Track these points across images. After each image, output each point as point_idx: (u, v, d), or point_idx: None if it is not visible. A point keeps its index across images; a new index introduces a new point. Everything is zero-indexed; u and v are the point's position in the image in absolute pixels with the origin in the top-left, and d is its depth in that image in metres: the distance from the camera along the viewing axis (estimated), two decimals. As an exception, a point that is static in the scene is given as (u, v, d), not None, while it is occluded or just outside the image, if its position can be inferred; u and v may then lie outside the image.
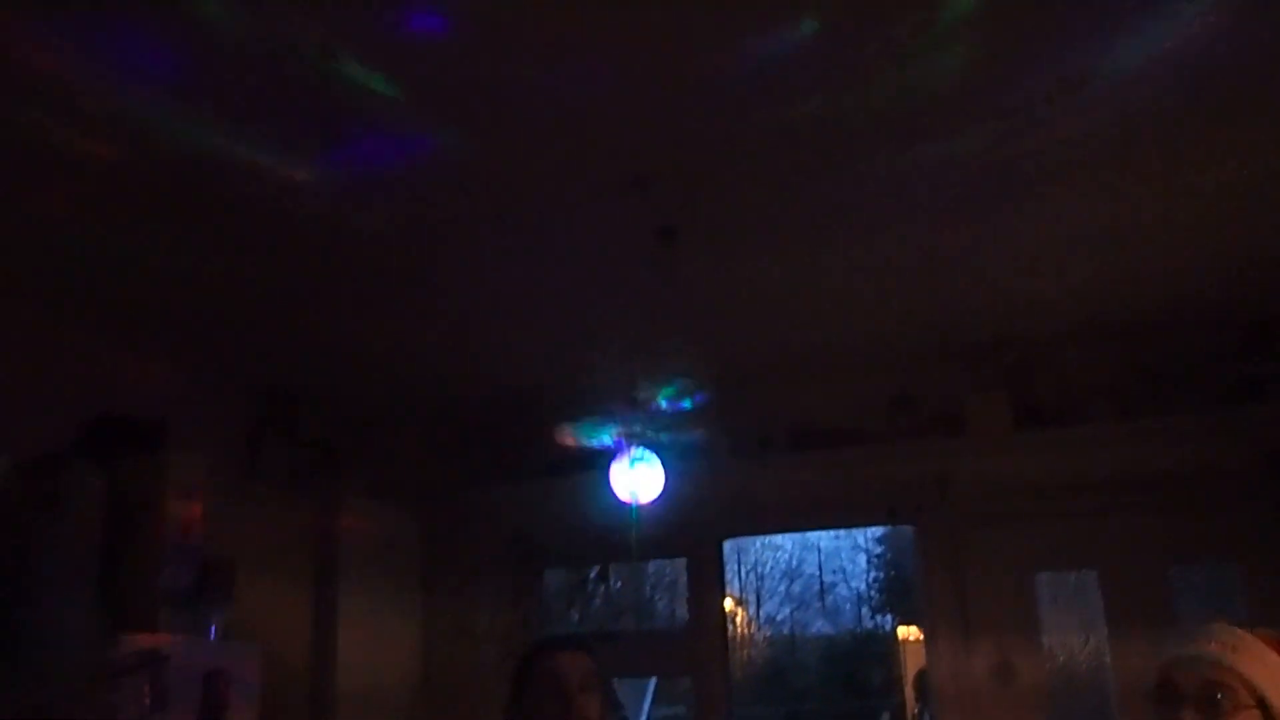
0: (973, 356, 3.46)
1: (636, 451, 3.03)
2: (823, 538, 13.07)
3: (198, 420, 3.00)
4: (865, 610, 13.12)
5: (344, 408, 3.54)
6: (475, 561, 3.78)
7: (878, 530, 13.02)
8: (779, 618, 13.78)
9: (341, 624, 3.37)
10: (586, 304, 3.05)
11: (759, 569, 13.41)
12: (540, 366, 3.47)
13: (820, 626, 13.55)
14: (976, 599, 3.37)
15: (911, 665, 8.04)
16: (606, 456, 3.12)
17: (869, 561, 13.05)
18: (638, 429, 3.08)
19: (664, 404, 3.19)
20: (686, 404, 3.25)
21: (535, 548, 3.84)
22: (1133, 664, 3.10)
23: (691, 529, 3.72)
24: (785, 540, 13.53)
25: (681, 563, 4.10)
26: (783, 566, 13.78)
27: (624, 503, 3.04)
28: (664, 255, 2.56)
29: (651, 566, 10.74)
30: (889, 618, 11.87)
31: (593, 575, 4.30)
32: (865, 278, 2.95)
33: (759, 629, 13.31)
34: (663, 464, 3.01)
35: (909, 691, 7.22)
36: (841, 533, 13.22)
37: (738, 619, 11.90)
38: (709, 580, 3.80)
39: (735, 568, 12.39)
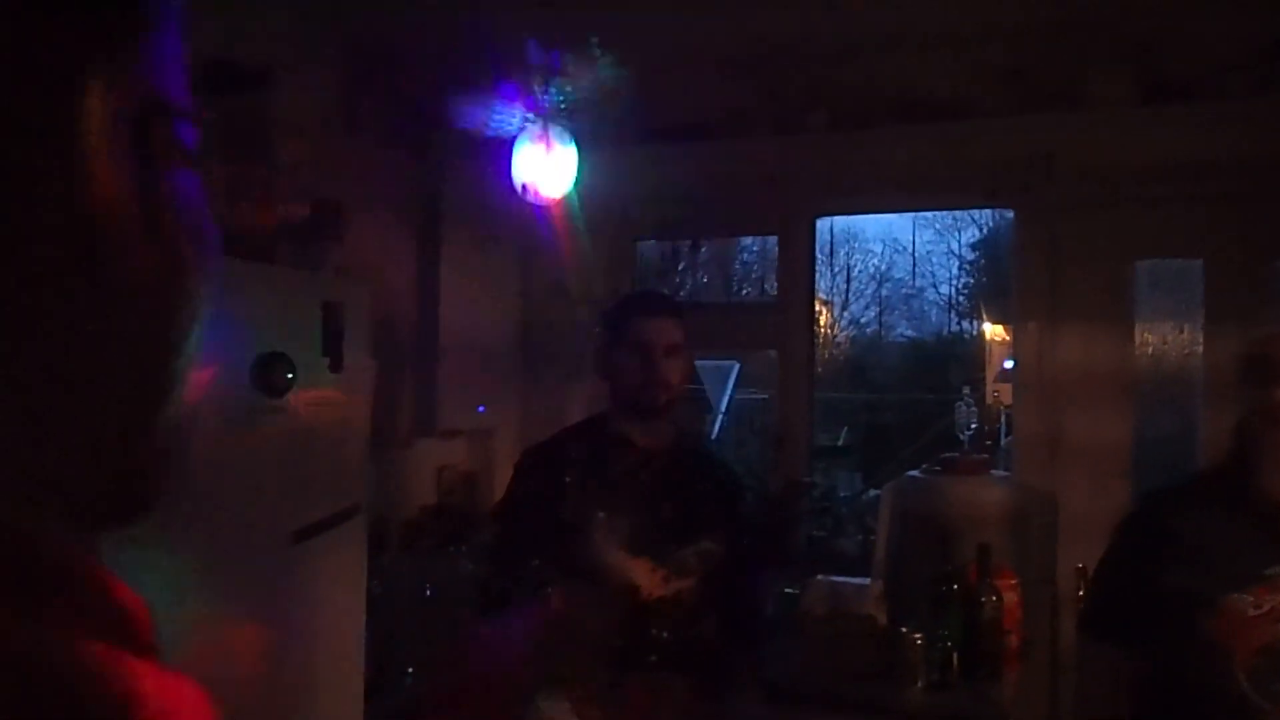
0: (1094, 26, 3.22)
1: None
2: (915, 241, 12.97)
3: (301, 72, 3.02)
4: (953, 315, 13.22)
5: (440, 64, 3.50)
6: (570, 226, 3.85)
7: (972, 235, 12.87)
8: (864, 320, 13.98)
9: (444, 274, 3.52)
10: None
11: (849, 269, 13.46)
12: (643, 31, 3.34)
13: (905, 329, 13.75)
14: (1072, 285, 3.34)
15: (994, 365, 8.19)
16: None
17: (961, 267, 12.99)
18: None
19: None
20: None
21: (627, 217, 3.88)
22: (1226, 355, 3.09)
23: (785, 204, 3.71)
24: (876, 244, 13.49)
25: (774, 243, 4.12)
26: (871, 269, 13.82)
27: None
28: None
29: (741, 250, 10.85)
30: (976, 324, 11.96)
31: (685, 247, 4.35)
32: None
33: (844, 329, 13.56)
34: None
35: (990, 386, 7.39)
36: (934, 236, 13.11)
37: (822, 318, 12.12)
38: (800, 258, 3.82)
39: (824, 270, 12.46)
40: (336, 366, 2.46)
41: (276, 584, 2.27)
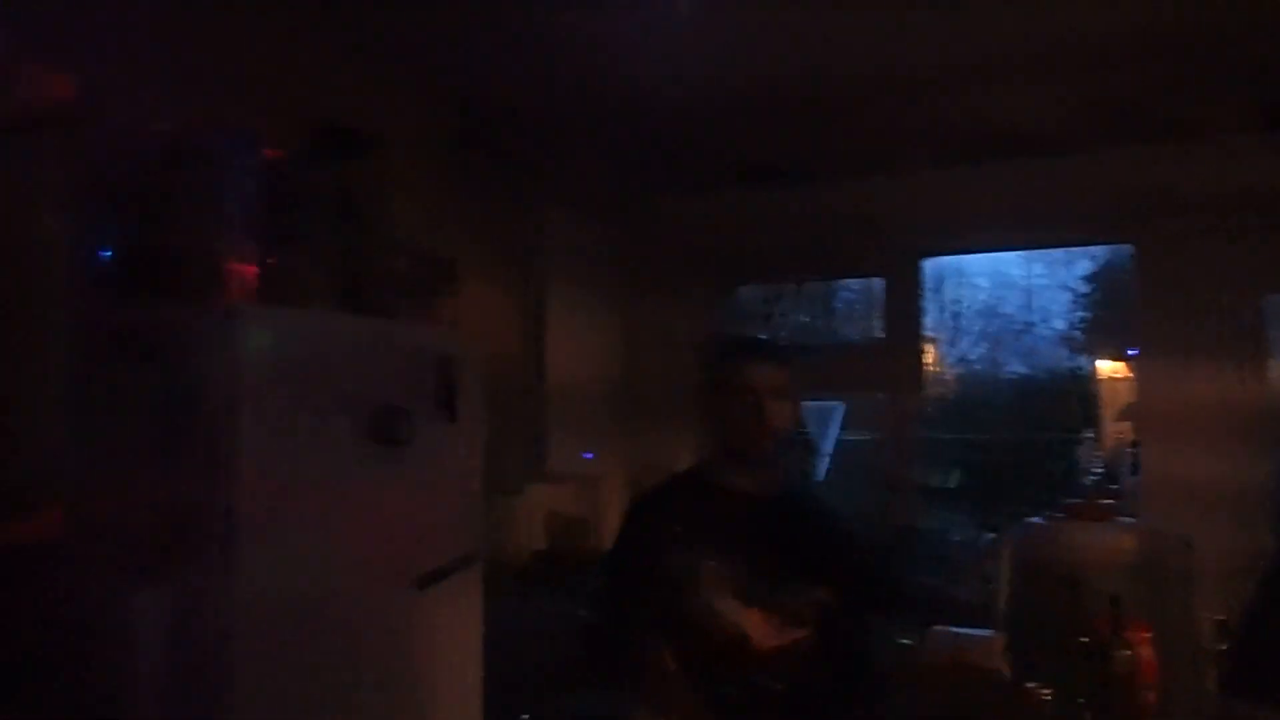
0: (1211, 54, 3.12)
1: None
2: (1025, 275, 12.63)
3: (411, 132, 3.14)
4: (1067, 351, 12.80)
5: (543, 120, 3.59)
6: (672, 273, 3.88)
7: (1086, 267, 12.48)
8: (972, 356, 13.63)
9: (549, 323, 3.58)
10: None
11: (954, 307, 13.18)
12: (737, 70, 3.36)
13: (1016, 366, 13.35)
14: (1198, 319, 3.22)
15: (1111, 402, 7.88)
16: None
17: (1074, 300, 12.60)
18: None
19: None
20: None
21: (728, 261, 3.89)
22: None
23: (891, 246, 3.67)
24: (983, 279, 13.17)
25: (878, 284, 4.08)
26: (979, 305, 13.48)
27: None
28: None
29: (842, 290, 10.72)
30: (1090, 359, 11.55)
31: (786, 291, 4.34)
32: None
33: (951, 367, 13.25)
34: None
35: (1108, 426, 7.11)
36: (1045, 270, 12.73)
37: (928, 356, 11.86)
38: (907, 299, 3.78)
39: (929, 306, 12.21)
40: (451, 417, 2.52)
41: (399, 629, 2.32)
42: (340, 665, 2.14)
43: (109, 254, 2.33)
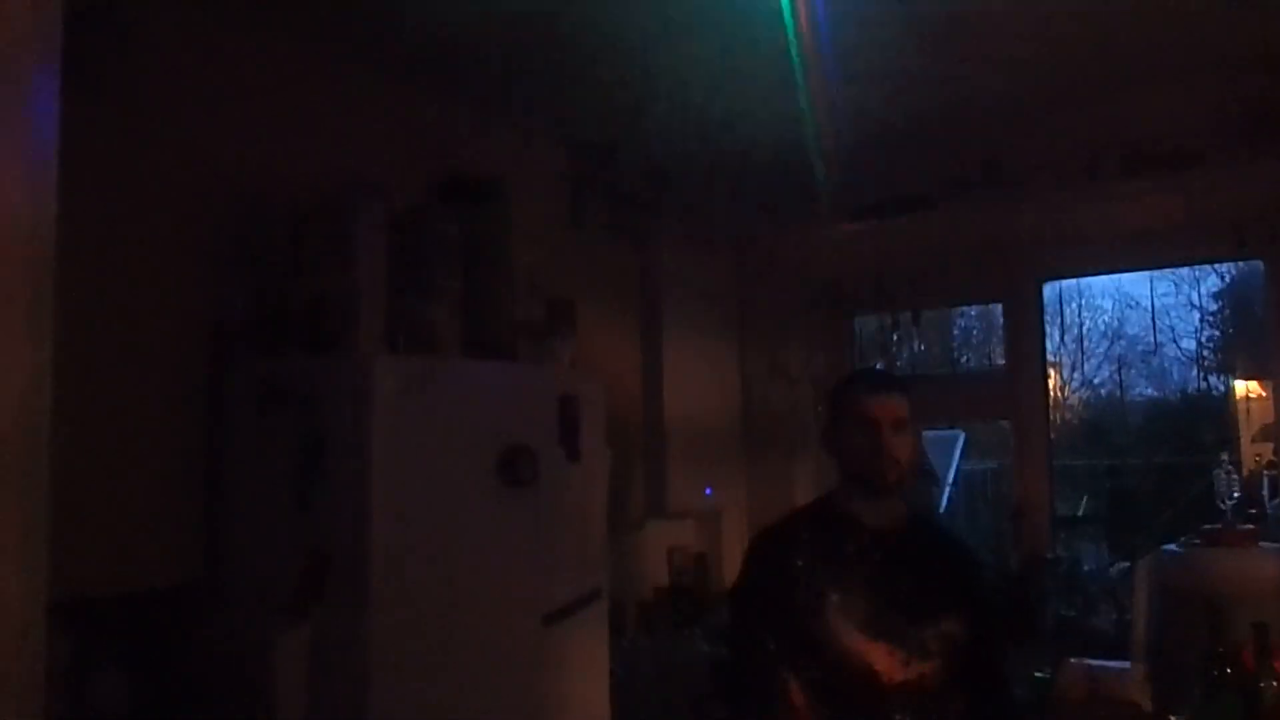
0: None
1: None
2: (1150, 295, 12.20)
3: (527, 176, 3.24)
4: (1196, 371, 12.29)
5: (657, 159, 3.66)
6: (787, 305, 3.89)
7: (1214, 285, 11.99)
8: (1097, 380, 13.21)
9: (667, 360, 3.64)
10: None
11: (1077, 329, 12.80)
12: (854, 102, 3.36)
13: (1144, 389, 12.87)
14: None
15: (1248, 423, 7.52)
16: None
17: (1203, 319, 12.10)
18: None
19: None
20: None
21: (845, 292, 3.89)
22: None
23: (1010, 270, 3.62)
24: (1106, 299, 12.76)
25: (996, 310, 4.01)
26: (1102, 327, 13.07)
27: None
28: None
29: (959, 317, 10.53)
30: (1224, 378, 11.06)
31: (903, 320, 4.29)
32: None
33: (1076, 391, 12.85)
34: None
35: (1248, 447, 6.79)
36: (1171, 289, 12.28)
37: (1052, 380, 11.55)
38: (1028, 323, 3.71)
39: (1051, 329, 11.91)
40: (574, 455, 2.58)
41: (527, 665, 2.37)
42: (471, 700, 2.20)
43: (246, 308, 2.47)
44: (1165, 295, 12.26)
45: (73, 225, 1.23)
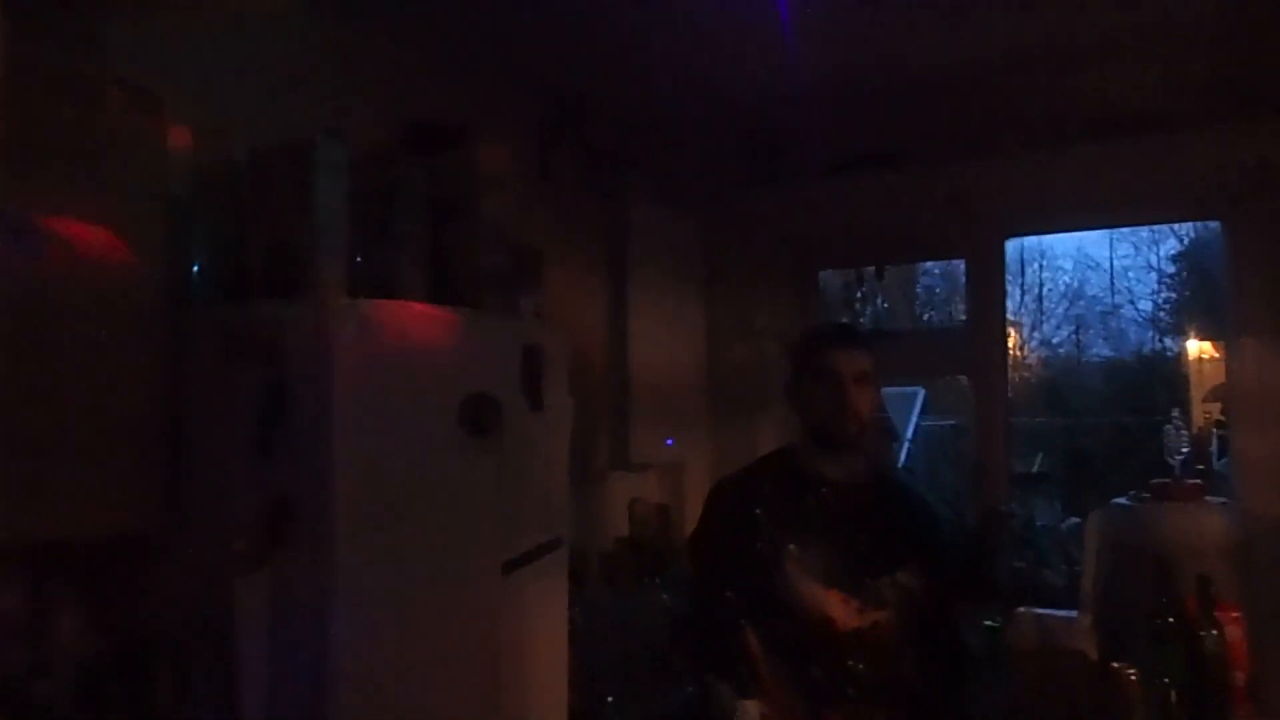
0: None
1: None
2: (1110, 256, 12.35)
3: (494, 126, 3.21)
4: (1151, 333, 12.50)
5: (628, 113, 3.63)
6: (754, 261, 3.90)
7: (1172, 247, 12.15)
8: (1056, 340, 13.38)
9: (632, 313, 3.63)
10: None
11: (1038, 289, 12.94)
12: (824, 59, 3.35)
13: (1101, 349, 13.07)
14: (1291, 298, 3.14)
15: (1201, 383, 7.67)
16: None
17: (1160, 281, 12.28)
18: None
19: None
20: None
21: (811, 248, 3.90)
22: None
23: (974, 227, 3.64)
24: (1067, 260, 12.91)
25: (959, 268, 4.05)
26: (1062, 288, 13.23)
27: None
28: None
29: (923, 275, 10.61)
30: (1178, 340, 11.25)
31: (868, 276, 4.32)
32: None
33: (1035, 350, 13.02)
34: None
35: (1199, 406, 6.94)
36: (1131, 251, 12.43)
37: (1011, 339, 11.68)
38: (991, 281, 3.74)
39: (1012, 289, 12.02)
40: (537, 405, 2.58)
41: (487, 612, 2.39)
42: (430, 645, 2.21)
43: (204, 257, 2.44)
44: (1125, 257, 12.42)
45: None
